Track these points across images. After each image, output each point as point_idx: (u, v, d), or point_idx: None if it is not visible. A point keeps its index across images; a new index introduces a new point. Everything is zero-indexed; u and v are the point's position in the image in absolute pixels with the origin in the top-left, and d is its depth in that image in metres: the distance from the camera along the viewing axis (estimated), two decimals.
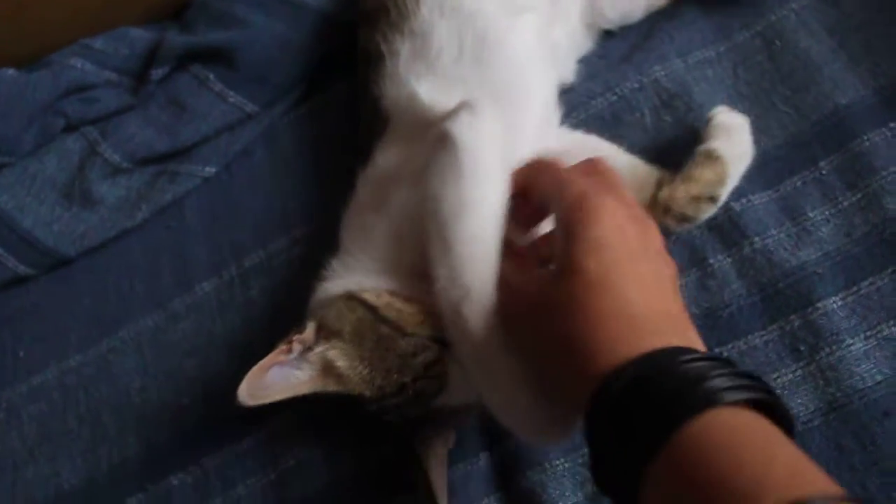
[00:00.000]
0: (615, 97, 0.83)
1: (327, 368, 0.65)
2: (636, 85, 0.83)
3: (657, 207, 0.73)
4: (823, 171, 0.76)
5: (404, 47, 0.77)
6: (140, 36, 0.93)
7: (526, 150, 0.67)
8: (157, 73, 0.89)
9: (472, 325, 0.59)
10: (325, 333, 0.65)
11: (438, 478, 0.70)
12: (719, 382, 0.45)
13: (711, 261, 0.75)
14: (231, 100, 0.88)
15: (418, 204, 0.64)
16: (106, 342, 0.86)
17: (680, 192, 0.73)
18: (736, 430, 0.44)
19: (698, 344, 0.52)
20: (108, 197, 0.88)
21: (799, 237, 0.74)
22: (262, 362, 0.62)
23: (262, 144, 0.91)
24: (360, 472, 0.75)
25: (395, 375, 0.64)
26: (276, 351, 0.64)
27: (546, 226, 0.65)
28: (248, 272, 0.85)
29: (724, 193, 0.74)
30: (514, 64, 0.75)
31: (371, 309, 0.65)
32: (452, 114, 0.66)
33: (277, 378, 0.64)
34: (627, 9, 0.84)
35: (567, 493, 0.70)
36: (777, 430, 0.45)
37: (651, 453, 0.44)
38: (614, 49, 0.86)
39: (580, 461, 0.71)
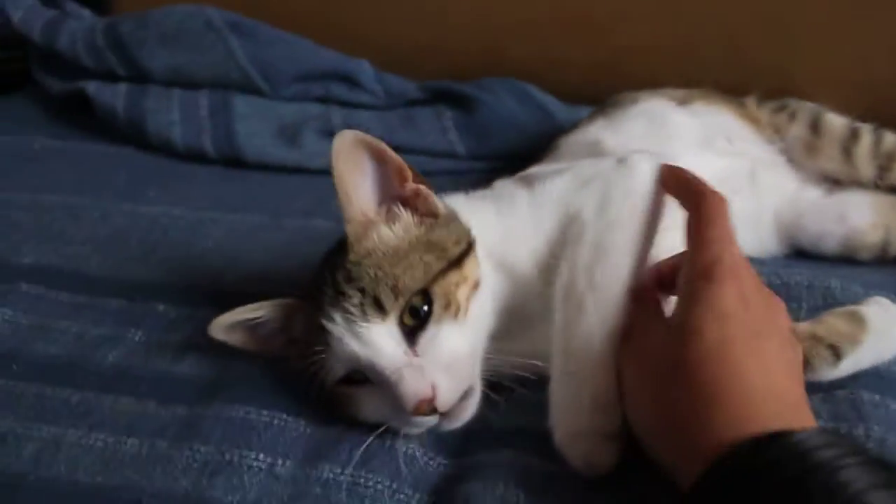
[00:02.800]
0: (780, 282, 0.73)
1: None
2: (806, 283, 0.72)
3: None
4: None
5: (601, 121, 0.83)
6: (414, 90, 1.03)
7: None
8: (412, 92, 0.99)
9: (589, 319, 0.56)
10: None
11: None
12: (856, 476, 0.40)
13: None
14: (450, 136, 0.94)
15: (576, 195, 0.63)
16: (214, 213, 0.87)
17: (803, 327, 0.61)
18: None
19: None
20: (308, 146, 0.95)
21: None
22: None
23: (448, 178, 0.91)
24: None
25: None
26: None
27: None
28: None
29: (848, 356, 0.59)
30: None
31: (456, 259, 0.59)
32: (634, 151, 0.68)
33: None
34: (827, 231, 0.77)
35: None
36: None
37: None
38: (798, 266, 0.78)
39: None
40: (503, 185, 0.71)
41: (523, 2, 1.04)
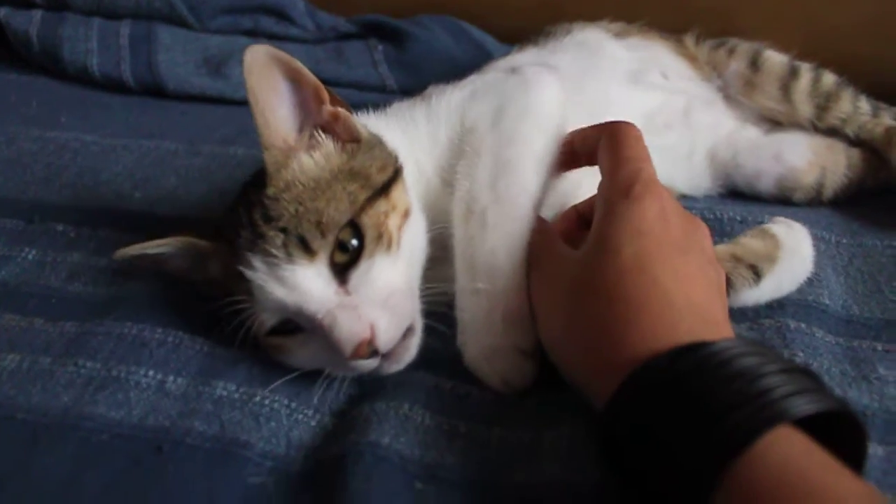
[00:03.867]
0: (712, 216, 0.71)
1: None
2: (739, 218, 0.70)
3: None
4: None
5: (533, 50, 0.80)
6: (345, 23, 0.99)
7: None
8: (343, 25, 0.94)
9: (493, 234, 0.53)
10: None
11: None
12: (776, 382, 0.38)
13: None
14: (380, 69, 0.90)
15: (471, 107, 0.61)
16: (127, 140, 0.82)
17: (722, 248, 0.59)
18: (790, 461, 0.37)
19: None
20: (233, 77, 0.90)
21: (856, 381, 0.54)
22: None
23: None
24: None
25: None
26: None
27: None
28: None
29: (767, 275, 0.58)
30: (604, 95, 0.73)
31: (382, 188, 0.55)
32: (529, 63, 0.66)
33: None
34: (763, 169, 0.74)
35: None
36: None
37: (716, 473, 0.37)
38: (732, 204, 0.76)
39: None
40: (402, 104, 0.66)
41: None
